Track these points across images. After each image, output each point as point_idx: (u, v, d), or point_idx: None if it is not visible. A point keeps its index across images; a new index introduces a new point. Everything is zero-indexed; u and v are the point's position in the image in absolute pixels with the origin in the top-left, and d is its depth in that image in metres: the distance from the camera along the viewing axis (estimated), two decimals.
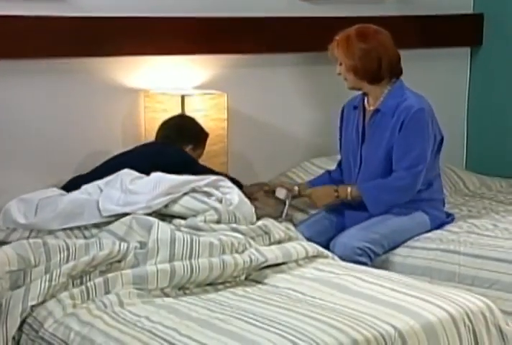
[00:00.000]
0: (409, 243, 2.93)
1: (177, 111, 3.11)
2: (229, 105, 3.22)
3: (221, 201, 2.59)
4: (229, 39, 3.34)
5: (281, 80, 3.53)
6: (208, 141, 3.17)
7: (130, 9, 3.13)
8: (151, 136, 3.22)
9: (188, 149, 2.98)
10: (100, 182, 2.65)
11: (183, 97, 3.10)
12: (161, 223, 2.41)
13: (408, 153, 2.89)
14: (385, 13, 3.73)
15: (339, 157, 3.19)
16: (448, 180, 3.67)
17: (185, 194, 2.57)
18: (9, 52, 2.86)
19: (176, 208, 2.54)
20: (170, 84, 3.28)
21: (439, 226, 3.03)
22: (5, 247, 2.32)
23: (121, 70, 3.17)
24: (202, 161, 3.08)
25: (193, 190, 2.59)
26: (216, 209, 2.52)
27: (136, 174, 2.67)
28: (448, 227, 3.03)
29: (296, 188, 3.11)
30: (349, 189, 2.96)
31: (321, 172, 3.28)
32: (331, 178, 3.17)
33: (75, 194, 2.60)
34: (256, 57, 3.47)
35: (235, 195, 2.63)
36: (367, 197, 2.92)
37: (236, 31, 3.35)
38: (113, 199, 2.55)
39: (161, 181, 2.57)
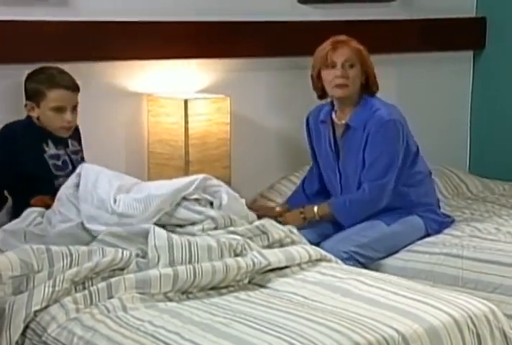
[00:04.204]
0: (411, 247, 2.93)
1: (181, 115, 3.11)
2: (232, 109, 3.22)
3: (211, 204, 2.58)
4: (233, 42, 3.35)
5: (284, 83, 3.53)
6: (211, 145, 3.17)
7: (133, 13, 3.13)
8: (154, 140, 3.23)
9: (30, 107, 2.74)
10: (69, 197, 2.52)
11: (186, 101, 3.10)
12: (156, 228, 2.38)
13: (374, 165, 2.89)
14: (387, 16, 3.73)
15: (310, 165, 3.20)
16: (450, 183, 3.67)
17: (178, 204, 2.52)
18: (13, 56, 2.87)
19: (173, 221, 2.51)
20: (173, 88, 3.28)
21: (438, 228, 3.02)
22: (8, 253, 2.31)
23: (124, 74, 3.18)
24: (205, 165, 3.08)
25: (184, 198, 2.54)
26: (212, 218, 2.51)
27: (98, 171, 2.55)
28: (450, 231, 3.03)
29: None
30: (315, 209, 2.96)
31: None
32: (306, 196, 3.17)
33: (58, 224, 2.49)
34: (259, 60, 3.47)
35: (224, 193, 2.61)
36: (337, 213, 2.93)
37: (239, 34, 3.35)
38: (101, 220, 2.46)
39: (150, 198, 2.48)
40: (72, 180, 2.60)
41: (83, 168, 2.60)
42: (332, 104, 3.05)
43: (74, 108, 2.78)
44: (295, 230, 2.75)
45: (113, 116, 3.18)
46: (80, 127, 2.94)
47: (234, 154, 3.28)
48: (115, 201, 2.49)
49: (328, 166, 3.07)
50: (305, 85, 3.29)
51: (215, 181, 2.64)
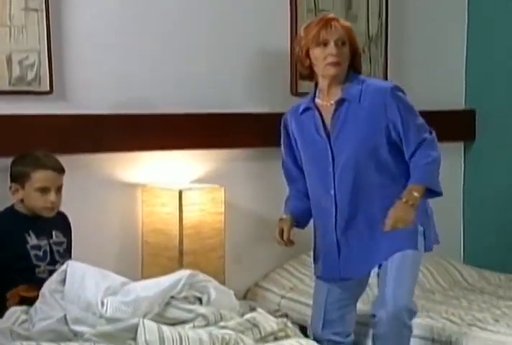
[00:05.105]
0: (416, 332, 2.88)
1: (175, 205, 3.11)
2: (226, 198, 3.24)
3: (200, 300, 2.55)
4: (226, 133, 3.40)
5: (278, 173, 3.54)
6: (205, 235, 3.17)
7: (128, 107, 3.18)
8: (148, 229, 3.22)
9: (15, 189, 2.76)
10: (52, 293, 2.48)
11: (180, 191, 3.11)
12: (146, 321, 2.34)
13: (414, 128, 2.76)
14: None
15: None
16: (446, 273, 3.66)
17: (167, 304, 2.47)
18: (12, 149, 2.88)
19: (163, 321, 2.45)
20: (167, 178, 3.30)
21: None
22: None
23: (119, 166, 3.20)
24: (199, 255, 3.06)
25: (172, 297, 2.50)
26: (203, 316, 2.46)
27: (84, 269, 2.53)
28: (449, 316, 3.00)
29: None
30: (413, 191, 2.73)
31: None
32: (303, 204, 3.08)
33: (38, 322, 2.43)
34: (252, 150, 3.51)
35: (211, 288, 2.58)
36: (429, 183, 2.74)
37: (233, 126, 3.41)
38: (87, 322, 2.40)
39: (138, 301, 2.43)
40: (57, 275, 2.54)
41: (68, 266, 2.55)
42: (315, 90, 2.93)
43: (58, 190, 2.78)
44: (289, 323, 2.70)
45: (107, 207, 3.18)
46: (74, 217, 2.93)
47: (229, 244, 3.27)
48: (102, 304, 2.44)
49: (318, 154, 2.89)
50: None
51: (201, 276, 2.60)
